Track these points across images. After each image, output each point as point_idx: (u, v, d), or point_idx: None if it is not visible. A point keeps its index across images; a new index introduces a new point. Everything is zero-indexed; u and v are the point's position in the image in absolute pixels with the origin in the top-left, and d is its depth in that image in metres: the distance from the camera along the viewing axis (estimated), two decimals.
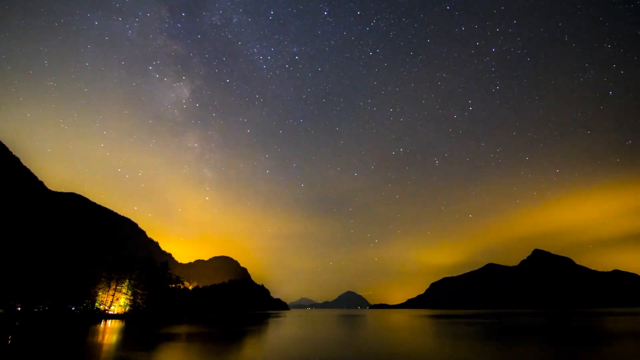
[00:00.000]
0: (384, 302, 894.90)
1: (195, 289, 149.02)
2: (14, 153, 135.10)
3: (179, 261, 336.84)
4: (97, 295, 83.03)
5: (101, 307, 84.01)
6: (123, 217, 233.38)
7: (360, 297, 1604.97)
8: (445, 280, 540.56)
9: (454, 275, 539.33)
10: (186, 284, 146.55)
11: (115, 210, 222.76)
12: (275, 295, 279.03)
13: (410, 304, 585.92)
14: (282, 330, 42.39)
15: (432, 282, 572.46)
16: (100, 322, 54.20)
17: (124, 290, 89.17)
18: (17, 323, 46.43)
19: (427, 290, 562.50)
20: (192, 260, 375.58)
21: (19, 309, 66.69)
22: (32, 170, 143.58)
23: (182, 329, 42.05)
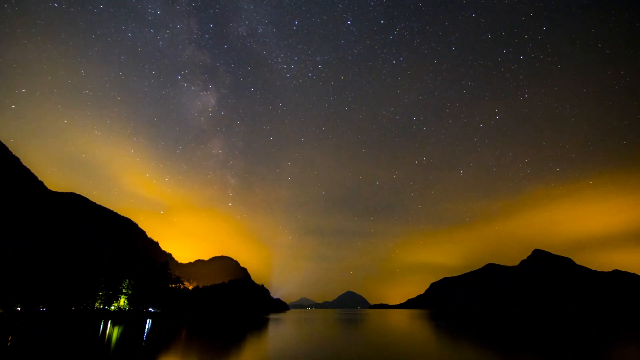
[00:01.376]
0: (384, 302, 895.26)
1: (195, 289, 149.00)
2: (14, 153, 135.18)
3: (179, 261, 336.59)
4: (97, 295, 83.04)
5: (101, 307, 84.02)
6: (123, 217, 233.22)
7: (360, 297, 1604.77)
8: (445, 280, 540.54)
9: (454, 275, 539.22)
10: (186, 284, 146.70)
11: (115, 211, 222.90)
12: (275, 295, 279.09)
13: (410, 304, 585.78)
14: (283, 331, 42.38)
15: (432, 282, 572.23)
16: (100, 322, 54.19)
17: (123, 290, 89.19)
18: (17, 323, 46.41)
19: (427, 290, 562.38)
20: (192, 260, 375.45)
21: (19, 309, 66.66)
22: (33, 171, 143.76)
23: (182, 329, 42.03)
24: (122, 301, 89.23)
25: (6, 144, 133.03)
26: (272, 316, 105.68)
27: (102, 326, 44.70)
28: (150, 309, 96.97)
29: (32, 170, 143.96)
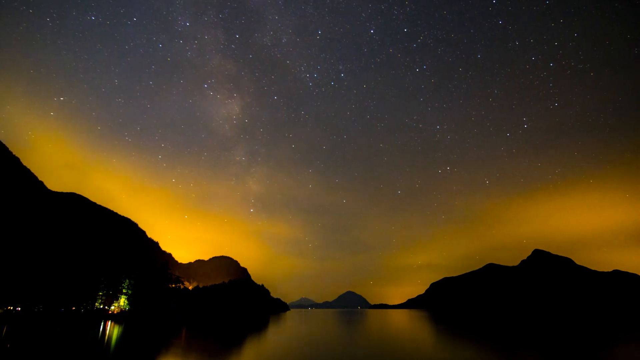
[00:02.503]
0: (384, 302, 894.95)
1: (195, 289, 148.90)
2: (14, 153, 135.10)
3: (179, 261, 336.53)
4: (97, 295, 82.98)
5: (101, 307, 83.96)
6: (123, 217, 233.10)
7: (360, 297, 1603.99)
8: (445, 280, 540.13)
9: (454, 275, 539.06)
10: (186, 284, 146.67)
11: (115, 211, 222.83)
12: (275, 295, 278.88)
13: (410, 304, 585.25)
14: (283, 331, 42.34)
15: (432, 282, 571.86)
16: (100, 322, 54.14)
17: (124, 291, 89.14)
18: (16, 324, 46.36)
19: (427, 290, 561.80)
20: (192, 260, 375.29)
21: (19, 309, 66.61)
22: (35, 171, 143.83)
23: (182, 329, 42.00)
24: (122, 301, 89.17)
25: (15, 148, 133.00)
26: (272, 316, 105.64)
27: (102, 326, 44.66)
28: (149, 309, 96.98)
29: (33, 171, 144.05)
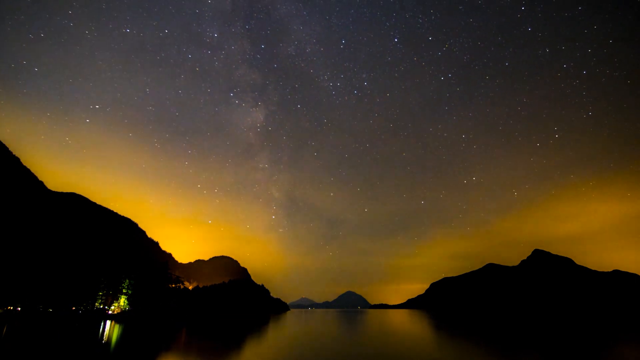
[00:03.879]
0: (384, 302, 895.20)
1: (195, 289, 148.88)
2: (14, 153, 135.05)
3: (179, 261, 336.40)
4: (97, 295, 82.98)
5: (101, 307, 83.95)
6: (123, 217, 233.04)
7: (360, 297, 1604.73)
8: (445, 280, 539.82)
9: (454, 275, 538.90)
10: (186, 284, 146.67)
11: (115, 211, 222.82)
12: (275, 295, 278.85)
13: (410, 304, 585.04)
14: (283, 331, 42.32)
15: (432, 282, 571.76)
16: (100, 322, 54.13)
17: (124, 291, 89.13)
18: (16, 323, 46.35)
19: (427, 290, 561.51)
20: (192, 260, 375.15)
21: (19, 309, 66.60)
22: (35, 171, 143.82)
23: (182, 329, 41.99)
24: (122, 301, 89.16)
25: (15, 148, 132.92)
26: (272, 316, 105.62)
27: (102, 326, 44.65)
28: (150, 309, 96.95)
29: (33, 171, 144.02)
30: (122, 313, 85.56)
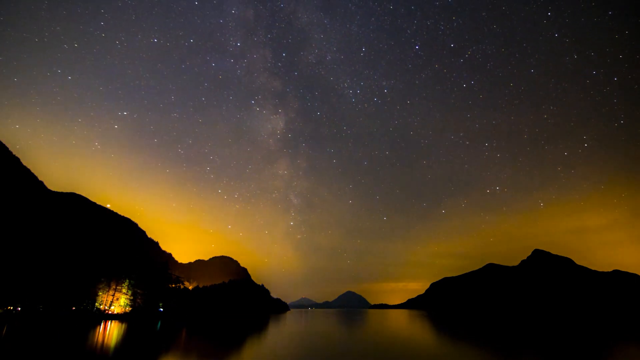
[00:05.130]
0: (384, 302, 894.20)
1: (195, 289, 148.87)
2: (14, 153, 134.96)
3: (179, 261, 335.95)
4: (97, 295, 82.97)
5: (101, 307, 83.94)
6: (123, 217, 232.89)
7: (360, 297, 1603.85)
8: (445, 280, 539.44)
9: (454, 275, 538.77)
10: (186, 284, 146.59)
11: (115, 211, 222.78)
12: (275, 295, 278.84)
13: (410, 304, 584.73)
14: (283, 331, 42.30)
15: (432, 282, 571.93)
16: (100, 323, 54.10)
17: (124, 291, 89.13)
18: (16, 323, 46.33)
19: (427, 290, 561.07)
20: (192, 260, 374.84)
21: (19, 309, 66.59)
22: (35, 171, 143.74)
23: (182, 329, 41.96)
24: (122, 301, 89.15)
25: (15, 148, 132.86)
26: (272, 316, 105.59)
27: (102, 326, 44.63)
28: (149, 309, 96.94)
29: (32, 170, 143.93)
30: (122, 313, 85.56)
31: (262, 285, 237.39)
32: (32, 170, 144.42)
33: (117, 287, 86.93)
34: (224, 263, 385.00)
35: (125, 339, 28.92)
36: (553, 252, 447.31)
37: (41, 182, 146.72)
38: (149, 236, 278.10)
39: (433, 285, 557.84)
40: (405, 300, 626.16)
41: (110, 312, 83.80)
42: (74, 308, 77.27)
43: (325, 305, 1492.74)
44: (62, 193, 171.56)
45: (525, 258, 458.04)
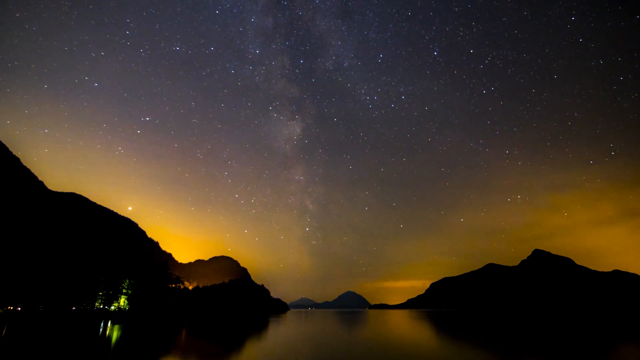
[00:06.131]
0: (384, 302, 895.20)
1: (195, 289, 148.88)
2: (14, 153, 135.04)
3: (179, 261, 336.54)
4: (97, 295, 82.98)
5: (101, 307, 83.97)
6: (123, 217, 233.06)
7: (360, 297, 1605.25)
8: (445, 280, 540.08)
9: (454, 275, 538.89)
10: (186, 284, 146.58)
11: (115, 211, 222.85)
12: (275, 295, 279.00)
13: (410, 304, 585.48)
14: (283, 331, 42.31)
15: (432, 282, 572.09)
16: (100, 322, 54.10)
17: (124, 291, 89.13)
18: (16, 323, 46.33)
19: (427, 290, 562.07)
20: (192, 260, 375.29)
21: (19, 309, 66.60)
22: (36, 171, 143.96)
23: (181, 330, 41.97)
24: (122, 301, 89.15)
25: (15, 148, 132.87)
26: (272, 316, 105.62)
27: (102, 326, 44.64)
28: (149, 309, 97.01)
29: (33, 171, 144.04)
30: (122, 313, 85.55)
31: (262, 285, 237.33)
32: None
33: (117, 287, 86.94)
34: (224, 263, 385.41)
35: (125, 339, 28.92)
36: (553, 252, 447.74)
37: (41, 182, 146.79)
38: (149, 236, 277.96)
39: (433, 285, 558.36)
40: (405, 300, 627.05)
41: (110, 312, 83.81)
42: (74, 308, 77.27)
43: (325, 305, 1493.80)
44: (62, 193, 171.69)
45: (525, 258, 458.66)
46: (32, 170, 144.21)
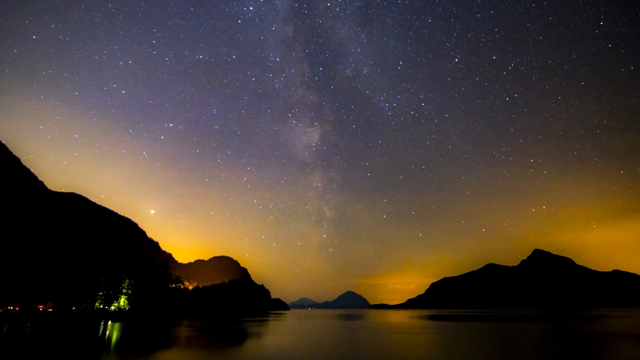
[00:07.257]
0: (384, 302, 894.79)
1: (195, 289, 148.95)
2: (14, 153, 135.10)
3: (179, 261, 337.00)
4: (97, 295, 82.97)
5: (101, 307, 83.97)
6: (123, 217, 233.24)
7: (360, 297, 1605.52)
8: (445, 280, 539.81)
9: (454, 275, 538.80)
10: (186, 284, 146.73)
11: (116, 211, 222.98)
12: (275, 295, 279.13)
13: (410, 304, 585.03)
14: (283, 331, 42.33)
15: (432, 282, 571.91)
16: (100, 322, 54.11)
17: (124, 290, 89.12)
18: (16, 323, 46.35)
19: (427, 290, 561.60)
20: (192, 260, 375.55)
21: (19, 309, 66.62)
22: (37, 171, 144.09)
23: (182, 330, 41.97)
24: (122, 301, 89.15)
25: (15, 148, 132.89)
26: (272, 316, 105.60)
27: (102, 326, 44.66)
28: (150, 309, 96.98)
29: (33, 171, 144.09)
30: (122, 313, 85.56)
31: (262, 286, 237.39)
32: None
33: (117, 287, 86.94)
34: (224, 263, 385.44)
35: (125, 340, 28.93)
36: (553, 252, 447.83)
37: (41, 182, 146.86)
38: (149, 236, 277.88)
39: (433, 285, 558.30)
40: (405, 300, 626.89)
41: (110, 312, 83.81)
42: (74, 308, 77.28)
43: (325, 305, 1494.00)
44: (62, 193, 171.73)
45: (525, 258, 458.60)
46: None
